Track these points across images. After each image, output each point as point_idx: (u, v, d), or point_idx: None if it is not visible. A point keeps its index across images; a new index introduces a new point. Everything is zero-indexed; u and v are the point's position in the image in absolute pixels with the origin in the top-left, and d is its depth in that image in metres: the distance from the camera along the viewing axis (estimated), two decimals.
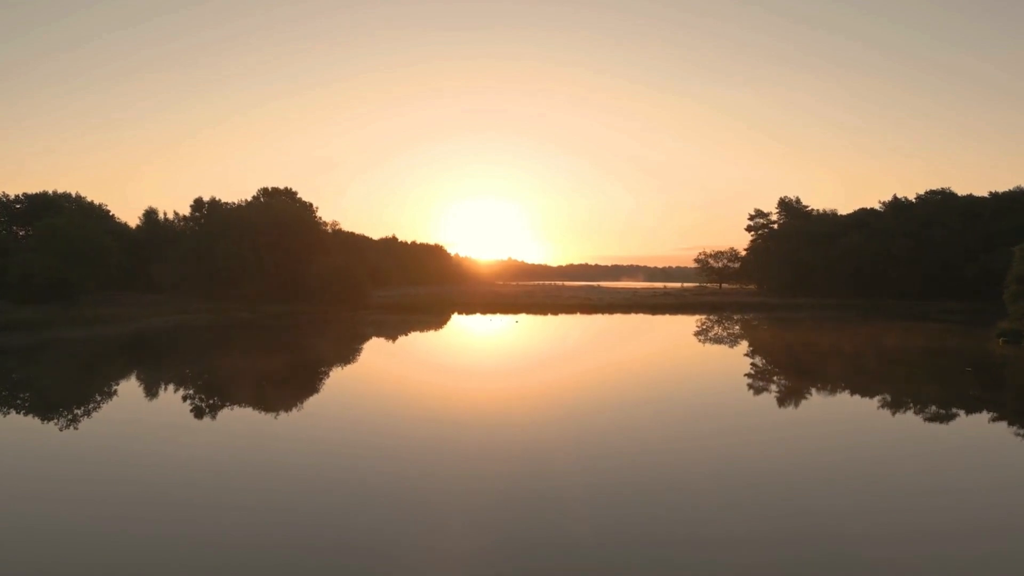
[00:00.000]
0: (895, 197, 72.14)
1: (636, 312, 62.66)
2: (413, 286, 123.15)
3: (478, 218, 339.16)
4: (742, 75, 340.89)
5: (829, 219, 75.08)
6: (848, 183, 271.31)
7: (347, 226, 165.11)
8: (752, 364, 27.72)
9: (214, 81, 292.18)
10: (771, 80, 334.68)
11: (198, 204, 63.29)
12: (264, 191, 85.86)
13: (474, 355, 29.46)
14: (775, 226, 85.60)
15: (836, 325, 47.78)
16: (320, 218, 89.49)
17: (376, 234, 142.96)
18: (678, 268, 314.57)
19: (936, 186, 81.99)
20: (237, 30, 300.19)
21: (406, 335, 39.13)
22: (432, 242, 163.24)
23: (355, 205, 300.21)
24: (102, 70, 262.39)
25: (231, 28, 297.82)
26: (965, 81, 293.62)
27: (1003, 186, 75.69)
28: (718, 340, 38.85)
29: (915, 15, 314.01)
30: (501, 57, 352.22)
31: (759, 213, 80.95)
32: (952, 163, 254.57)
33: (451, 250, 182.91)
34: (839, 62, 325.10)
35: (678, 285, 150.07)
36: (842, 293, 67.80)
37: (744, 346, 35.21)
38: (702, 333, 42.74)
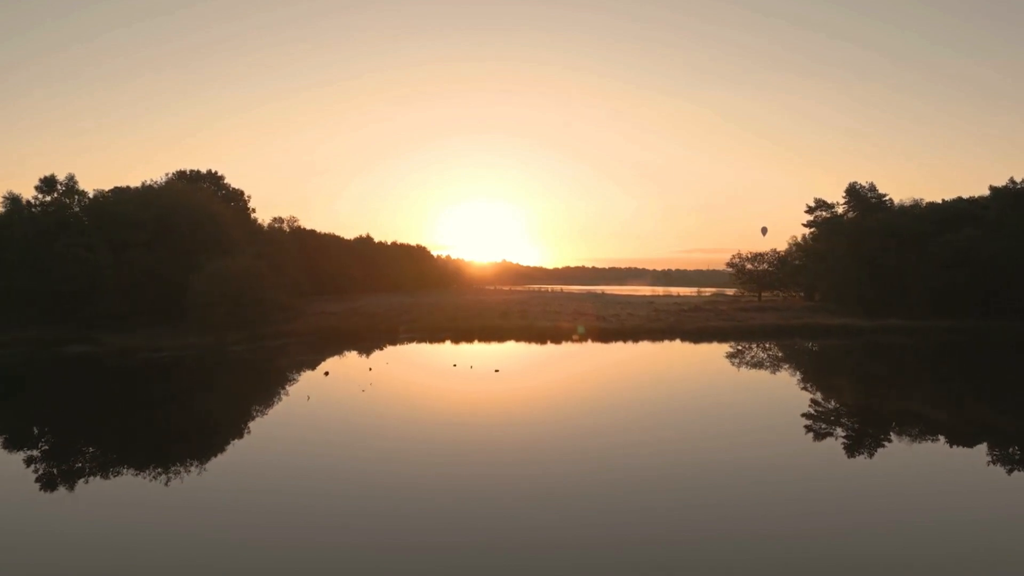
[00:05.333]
0: (1011, 181, 53.80)
1: (670, 339, 44.06)
2: (387, 293, 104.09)
3: (474, 220, 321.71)
4: (742, 79, 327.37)
5: (917, 211, 56.52)
6: (847, 186, 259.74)
7: (342, 230, 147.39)
8: None
9: (212, 83, 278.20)
10: (772, 84, 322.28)
11: (47, 184, 44.00)
12: (181, 174, 67.13)
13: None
14: (813, 223, 67.10)
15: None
16: (252, 209, 71.18)
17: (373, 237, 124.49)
18: (679, 271, 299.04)
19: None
20: (234, 32, 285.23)
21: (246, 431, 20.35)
22: (427, 244, 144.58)
23: (350, 208, 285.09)
24: (98, 71, 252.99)
25: (228, 30, 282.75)
26: (964, 85, 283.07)
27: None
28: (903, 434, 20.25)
29: (915, 19, 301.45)
30: (500, 60, 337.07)
31: (821, 203, 61.59)
32: (952, 166, 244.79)
33: (444, 252, 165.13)
34: (839, 66, 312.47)
35: (692, 291, 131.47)
36: (950, 311, 49.27)
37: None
38: (836, 409, 24.09)
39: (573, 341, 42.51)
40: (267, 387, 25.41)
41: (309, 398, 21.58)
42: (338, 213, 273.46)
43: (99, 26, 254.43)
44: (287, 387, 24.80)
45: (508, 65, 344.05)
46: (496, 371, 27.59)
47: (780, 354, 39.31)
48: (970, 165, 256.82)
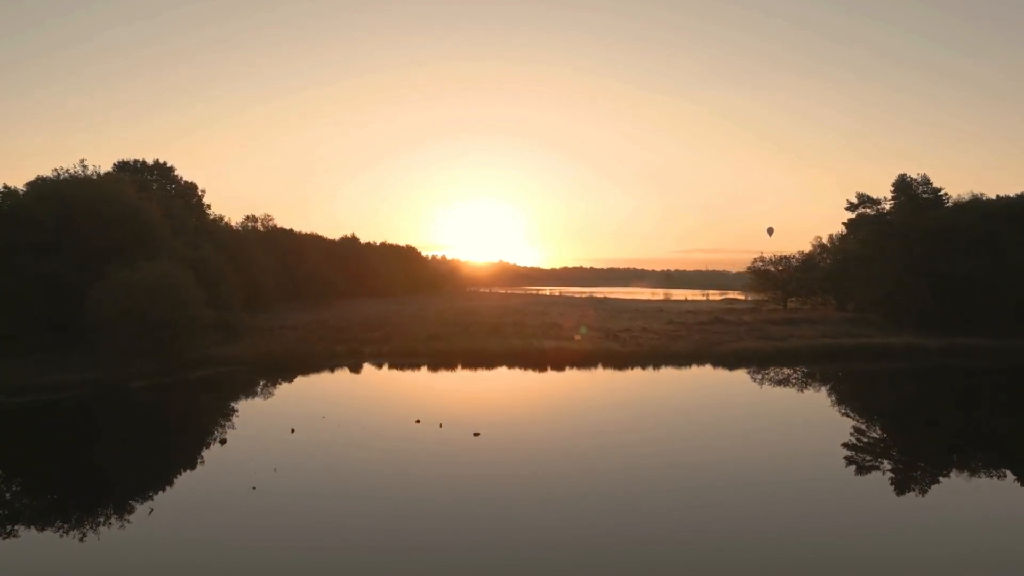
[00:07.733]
0: None
1: (698, 364, 35.59)
2: (373, 298, 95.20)
3: (473, 221, 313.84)
4: (742, 79, 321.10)
5: (980, 208, 47.92)
6: (846, 187, 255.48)
7: (339, 231, 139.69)
8: None
9: (211, 82, 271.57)
10: (772, 84, 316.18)
11: None
12: (123, 164, 58.39)
13: None
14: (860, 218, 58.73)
15: None
16: (207, 205, 62.35)
17: (365, 238, 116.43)
18: (679, 272, 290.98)
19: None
20: (233, 32, 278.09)
21: None
22: (425, 244, 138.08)
23: (348, 208, 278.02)
24: (96, 69, 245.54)
25: (227, 30, 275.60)
26: (964, 85, 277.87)
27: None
28: None
29: (915, 19, 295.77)
30: (500, 60, 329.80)
31: (864, 199, 52.47)
32: (952, 166, 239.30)
33: (442, 253, 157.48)
34: (839, 66, 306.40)
35: (699, 295, 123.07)
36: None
37: None
38: None
39: (579, 366, 33.96)
40: (108, 476, 16.51)
41: (152, 511, 12.86)
42: (336, 213, 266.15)
43: (99, 26, 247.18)
44: (141, 476, 16.06)
45: (508, 65, 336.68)
46: (476, 434, 18.94)
47: (876, 392, 30.85)
48: (971, 165, 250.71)
